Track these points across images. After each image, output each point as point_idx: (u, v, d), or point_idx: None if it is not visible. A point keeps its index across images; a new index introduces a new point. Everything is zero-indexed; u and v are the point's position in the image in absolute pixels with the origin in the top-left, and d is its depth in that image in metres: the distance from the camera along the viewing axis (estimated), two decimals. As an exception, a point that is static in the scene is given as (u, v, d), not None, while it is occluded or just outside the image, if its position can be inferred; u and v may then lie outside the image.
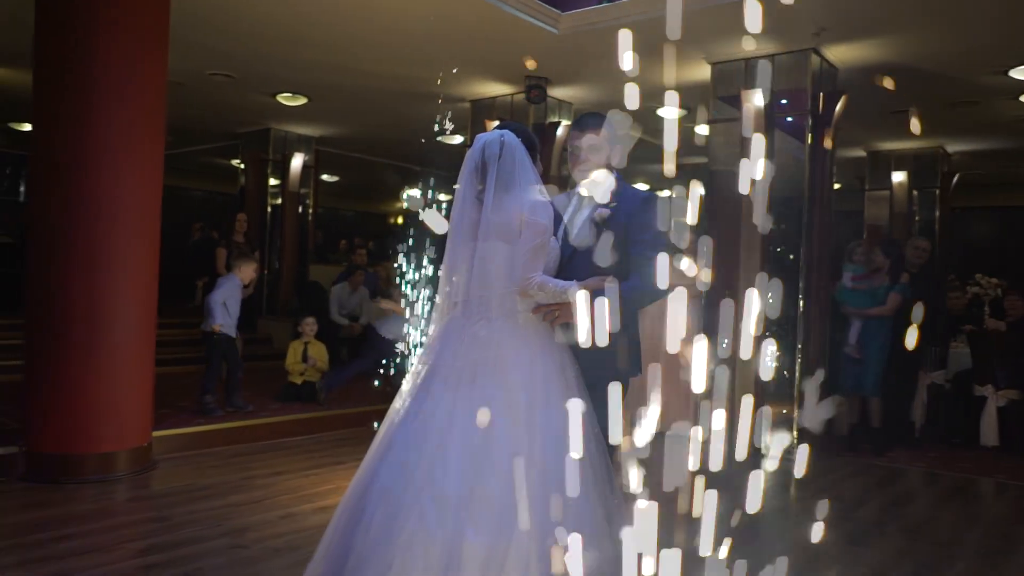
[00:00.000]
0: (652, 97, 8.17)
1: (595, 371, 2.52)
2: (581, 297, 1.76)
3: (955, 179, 10.02)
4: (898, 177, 9.93)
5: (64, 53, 4.59)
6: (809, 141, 6.34)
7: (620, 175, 2.83)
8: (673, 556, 1.57)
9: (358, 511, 2.37)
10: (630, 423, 1.70)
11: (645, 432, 1.70)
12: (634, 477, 1.65)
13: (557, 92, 7.94)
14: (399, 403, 2.60)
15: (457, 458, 2.29)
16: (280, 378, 7.26)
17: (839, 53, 6.43)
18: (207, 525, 3.89)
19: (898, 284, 6.28)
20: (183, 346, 8.56)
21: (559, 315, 2.52)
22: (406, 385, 2.63)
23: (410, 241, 5.80)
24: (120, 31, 4.61)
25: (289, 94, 8.73)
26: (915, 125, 6.51)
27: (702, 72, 6.81)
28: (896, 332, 6.26)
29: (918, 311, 5.23)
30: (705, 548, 1.58)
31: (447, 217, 2.63)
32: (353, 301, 9.08)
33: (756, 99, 6.30)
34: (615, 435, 1.96)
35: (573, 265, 2.65)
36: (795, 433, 6.18)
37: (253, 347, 9.23)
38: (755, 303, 1.55)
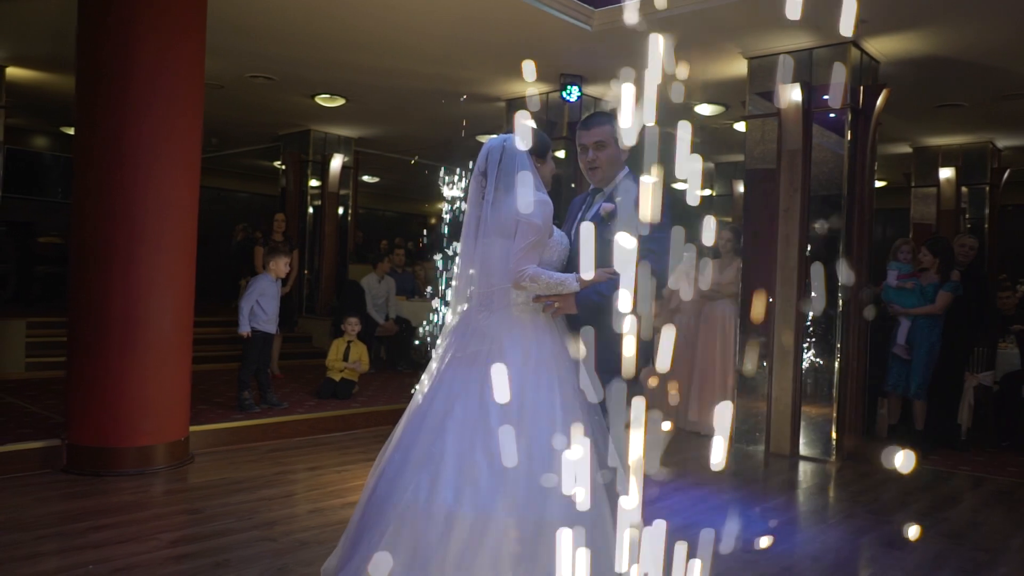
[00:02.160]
0: (691, 93, 8.08)
1: (601, 359, 2.57)
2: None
3: (1005, 175, 9.70)
4: (945, 173, 9.65)
5: (102, 58, 4.71)
6: (849, 137, 6.20)
7: (631, 170, 2.87)
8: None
9: (370, 489, 2.67)
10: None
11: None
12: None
13: (592, 90, 7.90)
14: (417, 391, 2.83)
15: (452, 439, 2.51)
16: (318, 376, 7.35)
17: (880, 46, 6.28)
18: (238, 518, 3.96)
19: (949, 282, 6.10)
20: (224, 344, 8.72)
21: (559, 306, 2.68)
22: (425, 375, 2.84)
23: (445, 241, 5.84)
24: (156, 37, 4.71)
25: (327, 95, 8.84)
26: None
27: (738, 67, 6.71)
28: (946, 332, 6.08)
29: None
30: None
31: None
32: (381, 291, 9.17)
33: (793, 94, 6.18)
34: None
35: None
36: (834, 435, 6.05)
37: (293, 345, 9.36)
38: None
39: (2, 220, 10.19)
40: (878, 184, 10.77)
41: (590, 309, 2.62)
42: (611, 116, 2.85)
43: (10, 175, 10.58)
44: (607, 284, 2.55)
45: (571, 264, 2.82)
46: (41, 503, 4.11)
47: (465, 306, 2.82)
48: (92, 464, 4.65)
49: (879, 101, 6.26)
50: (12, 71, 8.19)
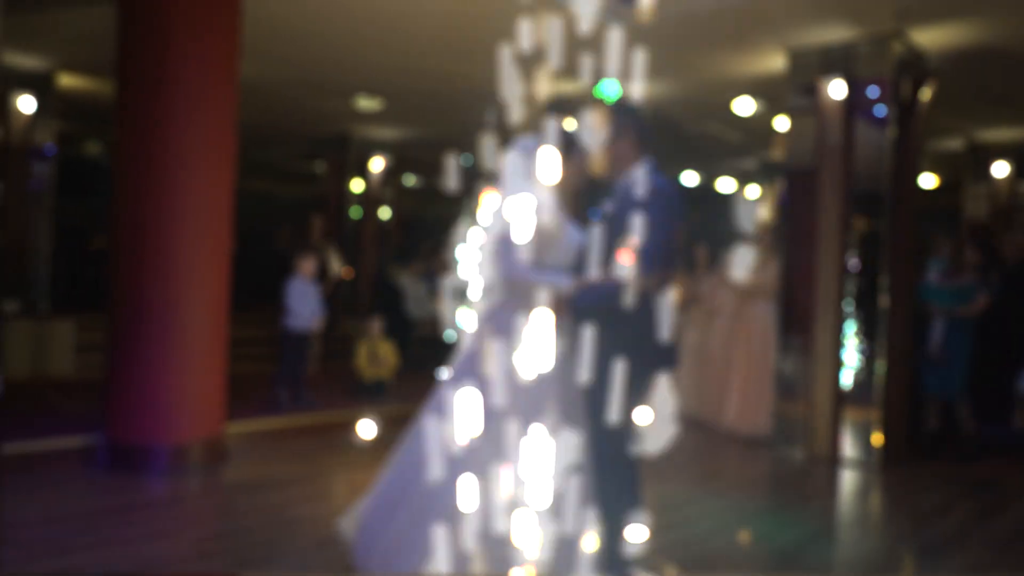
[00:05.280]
0: (728, 89, 7.95)
1: (609, 358, 2.48)
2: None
3: (1065, 171, 9.32)
4: (1000, 169, 9.31)
5: (134, 61, 4.84)
6: (893, 132, 5.99)
7: (652, 166, 2.84)
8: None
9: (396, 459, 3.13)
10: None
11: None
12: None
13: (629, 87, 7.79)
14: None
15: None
16: (354, 376, 7.42)
17: (928, 36, 6.04)
18: (266, 516, 3.99)
19: (990, 282, 5.86)
20: (261, 344, 8.83)
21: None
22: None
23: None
24: (187, 40, 4.79)
25: (367, 98, 8.90)
26: None
27: (777, 61, 6.55)
28: (984, 333, 5.84)
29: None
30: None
31: None
32: (418, 291, 9.22)
33: (835, 88, 6.00)
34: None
35: (589, 258, 2.69)
36: (876, 439, 5.86)
37: (331, 345, 9.45)
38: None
39: (57, 225, 10.51)
40: (927, 181, 10.45)
41: (597, 313, 2.58)
42: (612, 113, 2.86)
43: (66, 181, 10.90)
44: (608, 288, 2.56)
45: (584, 263, 2.79)
46: (77, 499, 4.20)
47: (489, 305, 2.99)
48: (128, 461, 4.73)
49: (926, 94, 6.06)
50: (66, 78, 8.42)
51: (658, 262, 2.67)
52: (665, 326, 2.64)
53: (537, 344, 2.38)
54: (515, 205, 2.68)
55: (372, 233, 11.16)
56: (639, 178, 2.71)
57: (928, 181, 11.72)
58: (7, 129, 8.25)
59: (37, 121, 8.41)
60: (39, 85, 8.28)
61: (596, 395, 2.55)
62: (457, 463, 2.59)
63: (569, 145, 2.87)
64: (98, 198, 13.57)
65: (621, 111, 2.94)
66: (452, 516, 2.56)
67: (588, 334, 2.19)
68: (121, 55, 4.94)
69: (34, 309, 8.39)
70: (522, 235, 2.67)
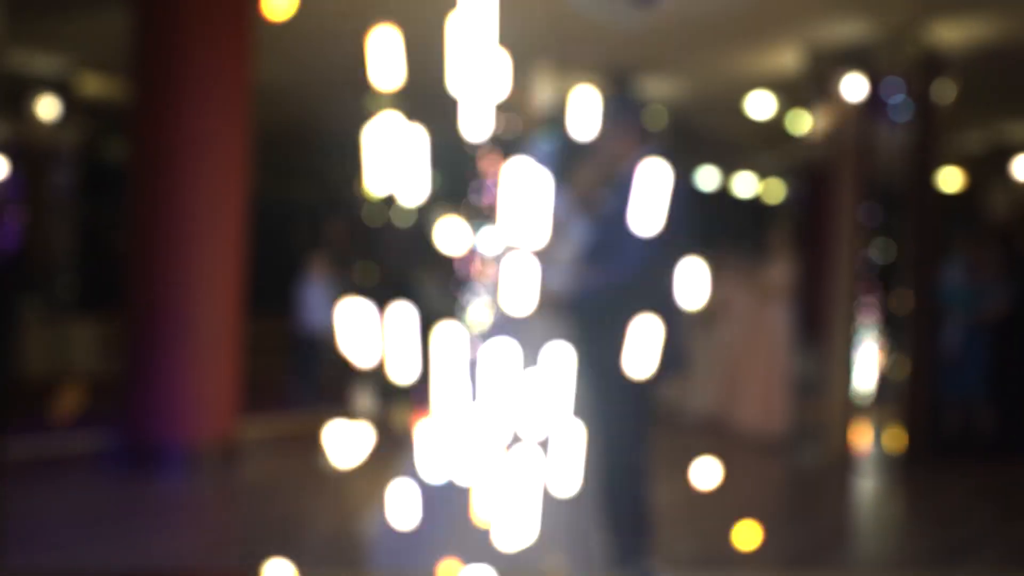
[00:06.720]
0: (744, 86, 7.86)
1: (607, 358, 2.44)
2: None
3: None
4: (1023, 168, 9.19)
5: (151, 65, 4.89)
6: (912, 131, 5.91)
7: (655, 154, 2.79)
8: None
9: None
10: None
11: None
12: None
13: (647, 85, 7.72)
14: None
15: None
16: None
17: (949, 33, 5.94)
18: (275, 516, 4.00)
19: (1010, 282, 5.78)
20: (280, 344, 8.86)
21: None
22: None
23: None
24: (202, 45, 4.84)
25: (383, 97, 8.90)
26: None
27: (794, 58, 6.48)
28: (1006, 333, 5.77)
29: None
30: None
31: None
32: (436, 293, 9.24)
33: (853, 85, 5.93)
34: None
35: (594, 254, 2.67)
36: (894, 441, 5.80)
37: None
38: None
39: (81, 226, 10.59)
40: (948, 182, 10.31)
41: (596, 313, 2.52)
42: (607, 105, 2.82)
43: (89, 182, 10.98)
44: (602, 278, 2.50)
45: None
46: (85, 496, 4.22)
47: None
48: (143, 459, 4.76)
49: (946, 92, 5.98)
50: (89, 80, 8.49)
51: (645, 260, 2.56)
52: (672, 326, 2.60)
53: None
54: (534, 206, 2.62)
55: (392, 237, 11.18)
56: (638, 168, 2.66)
57: (948, 180, 11.55)
58: (30, 131, 8.34)
59: (60, 123, 8.48)
60: (61, 87, 8.35)
61: (597, 402, 2.48)
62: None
63: (585, 143, 2.79)
64: (121, 199, 13.67)
65: (616, 100, 2.88)
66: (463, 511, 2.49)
67: (587, 336, 2.16)
68: (136, 56, 4.98)
69: (56, 308, 8.48)
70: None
